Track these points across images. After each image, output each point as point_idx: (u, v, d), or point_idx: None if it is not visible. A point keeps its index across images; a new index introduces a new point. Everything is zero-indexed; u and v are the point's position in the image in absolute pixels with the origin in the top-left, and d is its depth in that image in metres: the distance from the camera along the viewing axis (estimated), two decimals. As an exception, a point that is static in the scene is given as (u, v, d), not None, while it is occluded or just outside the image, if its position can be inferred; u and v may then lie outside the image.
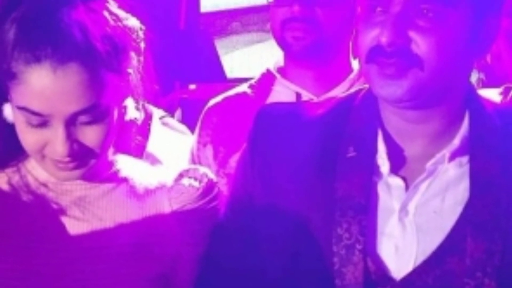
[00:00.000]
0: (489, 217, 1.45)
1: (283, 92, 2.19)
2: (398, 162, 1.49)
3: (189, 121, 2.52)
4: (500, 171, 1.47)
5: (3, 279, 1.50)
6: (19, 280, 1.50)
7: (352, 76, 2.17)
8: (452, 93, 1.49)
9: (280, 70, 2.24)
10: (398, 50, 1.39)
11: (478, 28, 1.43)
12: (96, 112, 1.48)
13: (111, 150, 1.60)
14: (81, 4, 1.48)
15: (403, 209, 1.47)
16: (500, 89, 2.07)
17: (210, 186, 1.64)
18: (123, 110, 1.57)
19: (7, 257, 1.51)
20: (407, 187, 1.48)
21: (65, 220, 1.56)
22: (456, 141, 1.47)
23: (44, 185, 1.57)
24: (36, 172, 1.58)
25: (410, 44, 1.39)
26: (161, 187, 1.63)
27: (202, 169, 1.69)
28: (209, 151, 2.23)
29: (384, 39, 1.38)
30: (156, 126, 2.17)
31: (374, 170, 1.49)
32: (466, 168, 1.47)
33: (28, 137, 1.49)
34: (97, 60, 1.46)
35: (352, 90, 1.67)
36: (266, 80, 2.25)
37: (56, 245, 1.53)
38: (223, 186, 1.80)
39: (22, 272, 1.51)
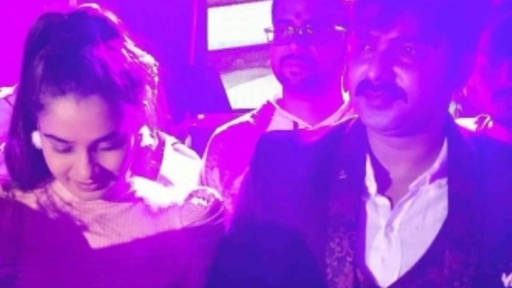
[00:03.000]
0: (466, 233, 1.45)
1: (281, 121, 2.20)
2: (384, 184, 1.50)
3: (198, 147, 2.52)
4: (475, 191, 1.48)
5: None
6: None
7: (343, 107, 2.18)
8: (432, 122, 1.49)
9: (279, 102, 2.24)
10: (384, 84, 1.40)
11: (456, 64, 1.44)
12: (115, 139, 1.48)
13: (128, 173, 1.60)
14: (101, 42, 1.49)
15: (389, 225, 1.48)
16: (475, 119, 2.09)
17: (216, 205, 1.64)
18: (139, 137, 1.58)
19: (36, 268, 1.51)
20: (392, 206, 1.48)
21: (87, 235, 1.56)
22: (436, 165, 1.48)
23: (69, 204, 1.57)
24: (61, 192, 1.58)
25: (395, 78, 1.40)
26: (173, 206, 1.63)
27: (210, 190, 1.69)
28: (215, 173, 2.22)
29: (371, 74, 1.39)
30: (168, 151, 2.17)
31: (363, 190, 1.50)
32: (445, 189, 1.48)
33: (54, 161, 1.50)
34: (116, 92, 1.47)
35: (343, 119, 1.67)
36: (267, 110, 2.26)
37: (80, 258, 1.53)
38: (228, 205, 1.79)
39: (49, 282, 1.51)
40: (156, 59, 1.61)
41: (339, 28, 2.12)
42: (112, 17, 1.56)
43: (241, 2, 4.75)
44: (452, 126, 1.54)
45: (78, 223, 1.56)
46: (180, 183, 2.06)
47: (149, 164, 1.68)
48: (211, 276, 1.58)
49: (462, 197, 1.47)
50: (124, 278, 1.55)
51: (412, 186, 1.47)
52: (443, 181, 1.49)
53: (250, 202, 1.58)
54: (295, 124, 2.18)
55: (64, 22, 1.51)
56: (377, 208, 1.49)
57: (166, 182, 1.97)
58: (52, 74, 1.46)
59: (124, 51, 1.53)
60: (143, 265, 1.57)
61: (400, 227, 1.48)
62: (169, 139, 2.23)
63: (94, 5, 1.56)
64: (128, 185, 1.62)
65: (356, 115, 1.56)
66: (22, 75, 1.52)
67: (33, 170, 1.57)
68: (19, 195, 1.58)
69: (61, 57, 1.47)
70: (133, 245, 1.59)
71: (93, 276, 1.52)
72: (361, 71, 1.44)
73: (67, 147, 1.47)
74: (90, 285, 1.52)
